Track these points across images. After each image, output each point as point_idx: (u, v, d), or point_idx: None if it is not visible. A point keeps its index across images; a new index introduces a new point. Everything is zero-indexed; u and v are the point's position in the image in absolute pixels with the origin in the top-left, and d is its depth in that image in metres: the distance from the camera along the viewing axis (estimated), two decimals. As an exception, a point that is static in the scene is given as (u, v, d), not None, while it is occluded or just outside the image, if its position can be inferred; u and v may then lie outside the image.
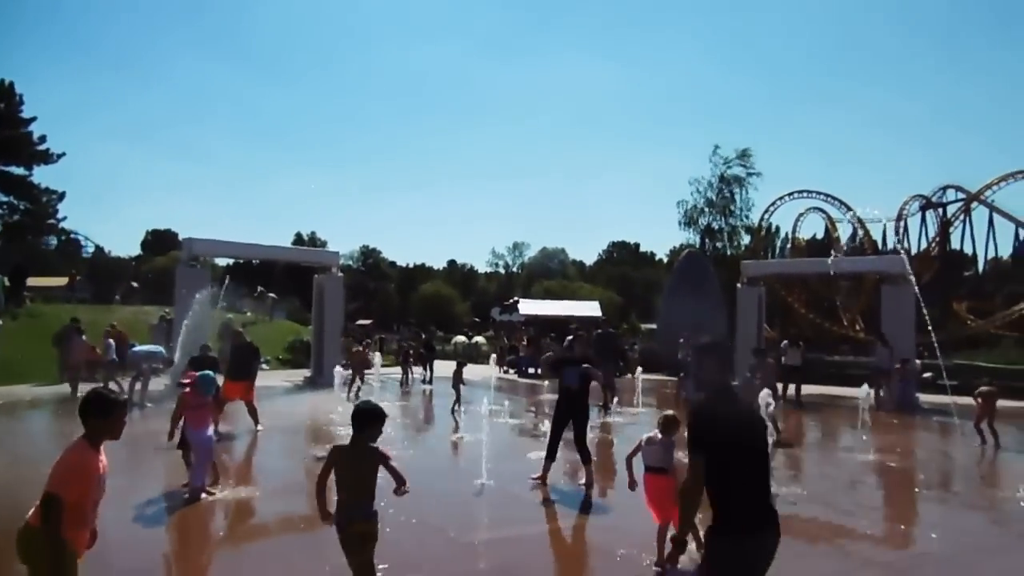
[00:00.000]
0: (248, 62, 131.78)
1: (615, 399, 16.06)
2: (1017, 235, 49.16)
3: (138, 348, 16.31)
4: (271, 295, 35.30)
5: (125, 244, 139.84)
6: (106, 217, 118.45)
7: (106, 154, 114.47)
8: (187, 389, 7.93)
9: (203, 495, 7.50)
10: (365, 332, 36.11)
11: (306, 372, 22.28)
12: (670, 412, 6.20)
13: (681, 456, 7.20)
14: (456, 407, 14.67)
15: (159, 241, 78.63)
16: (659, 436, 5.91)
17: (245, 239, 21.54)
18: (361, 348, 20.21)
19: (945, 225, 47.44)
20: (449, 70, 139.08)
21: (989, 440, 11.85)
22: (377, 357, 20.32)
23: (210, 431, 7.91)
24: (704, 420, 3.45)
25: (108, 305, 32.74)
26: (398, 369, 22.12)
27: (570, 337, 9.76)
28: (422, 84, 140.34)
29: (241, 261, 67.10)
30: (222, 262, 69.88)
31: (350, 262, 76.69)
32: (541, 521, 7.28)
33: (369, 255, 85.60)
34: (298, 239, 74.80)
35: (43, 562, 3.40)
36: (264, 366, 23.99)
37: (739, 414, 3.60)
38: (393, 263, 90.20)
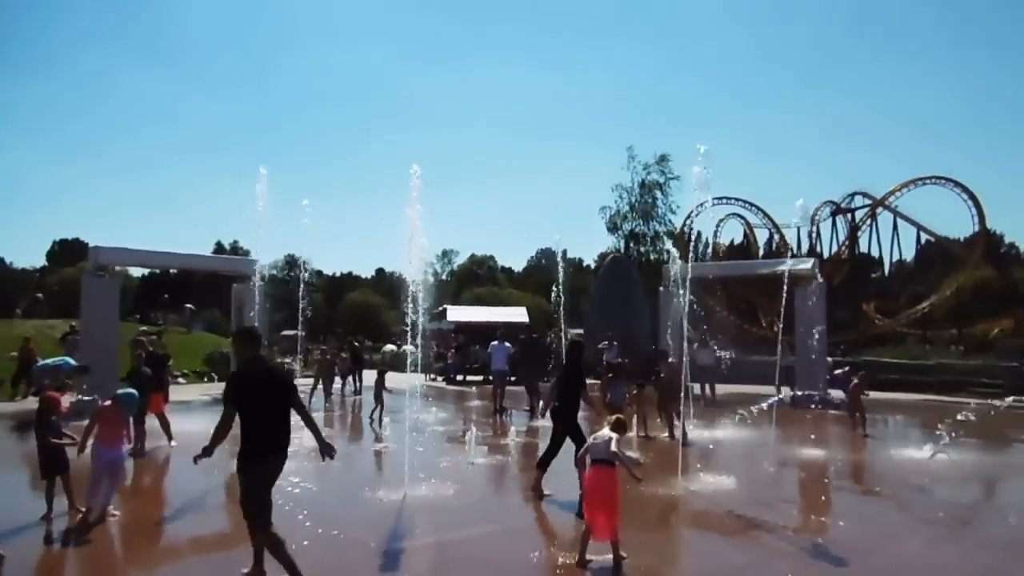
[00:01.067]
0: (166, 64, 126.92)
1: (540, 403, 16.12)
2: (919, 238, 52.32)
3: (42, 363, 15.42)
4: (188, 306, 33.98)
5: (30, 255, 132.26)
6: (8, 227, 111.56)
7: (8, 161, 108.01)
8: (107, 402, 7.57)
9: (109, 516, 7.15)
10: (292, 343, 35.19)
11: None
12: (620, 416, 6.53)
13: (631, 454, 7.43)
14: (377, 416, 14.58)
15: (67, 251, 74.60)
16: (608, 434, 6.14)
17: (162, 248, 20.49)
18: (290, 360, 19.67)
19: (853, 229, 49.98)
20: (377, 77, 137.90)
21: (862, 428, 13.19)
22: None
23: (124, 449, 7.56)
24: (237, 382, 5.21)
25: (10, 319, 30.90)
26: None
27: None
28: (351, 91, 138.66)
29: (158, 272, 64.57)
30: (137, 272, 67.36)
31: (274, 271, 74.64)
32: (464, 528, 7.23)
33: (295, 264, 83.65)
34: (219, 248, 72.39)
35: None
36: (180, 380, 23.17)
37: (261, 377, 5.24)
38: (320, 272, 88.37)
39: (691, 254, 51.64)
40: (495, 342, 17.41)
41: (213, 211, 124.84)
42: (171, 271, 53.46)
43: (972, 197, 42.96)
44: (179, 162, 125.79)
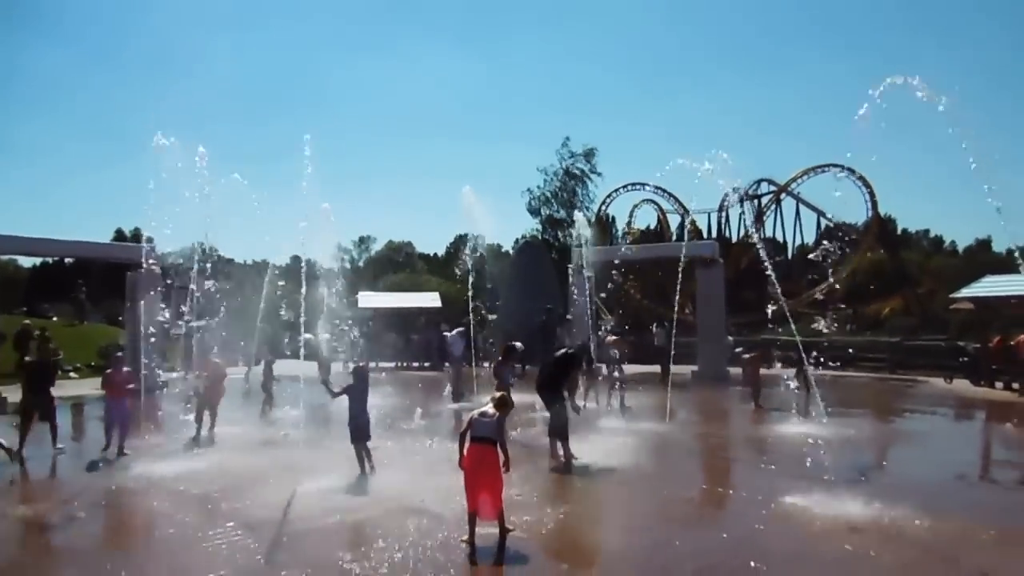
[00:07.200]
0: (65, 42, 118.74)
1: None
2: (819, 223, 54.88)
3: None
4: (83, 291, 31.66)
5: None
6: None
7: None
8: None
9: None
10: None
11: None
12: (501, 393, 6.52)
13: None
14: (267, 408, 14.42)
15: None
16: (491, 411, 6.10)
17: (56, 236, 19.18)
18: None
19: (759, 215, 52.03)
20: (294, 61, 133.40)
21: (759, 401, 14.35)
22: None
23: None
24: None
25: None
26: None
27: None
28: (265, 74, 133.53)
29: (51, 262, 60.83)
30: (28, 263, 63.48)
31: (181, 260, 71.42)
32: (360, 510, 7.16)
33: (204, 252, 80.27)
34: (119, 236, 68.70)
35: None
36: (72, 374, 21.91)
37: None
38: (231, 260, 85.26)
39: (608, 238, 52.89)
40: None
41: (115, 198, 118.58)
42: (66, 260, 50.47)
43: (866, 184, 45.38)
44: (76, 146, 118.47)
